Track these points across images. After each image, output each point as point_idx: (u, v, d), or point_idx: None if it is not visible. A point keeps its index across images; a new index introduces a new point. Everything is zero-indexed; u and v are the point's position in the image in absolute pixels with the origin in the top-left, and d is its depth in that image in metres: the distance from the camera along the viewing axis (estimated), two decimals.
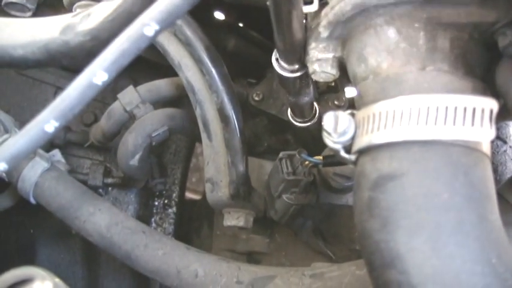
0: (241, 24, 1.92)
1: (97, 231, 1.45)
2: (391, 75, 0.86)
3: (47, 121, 0.81)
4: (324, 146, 1.38)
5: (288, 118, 1.48)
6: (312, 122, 1.45)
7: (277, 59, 1.13)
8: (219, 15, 1.88)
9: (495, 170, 1.51)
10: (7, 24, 1.15)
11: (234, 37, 1.83)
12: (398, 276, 0.77)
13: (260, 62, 1.82)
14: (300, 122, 1.46)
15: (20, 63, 1.11)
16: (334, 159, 1.35)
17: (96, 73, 0.78)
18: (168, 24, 0.76)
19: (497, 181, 1.45)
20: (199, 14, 1.48)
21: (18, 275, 0.89)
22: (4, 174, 1.52)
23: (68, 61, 1.08)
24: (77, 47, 1.06)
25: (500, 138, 1.57)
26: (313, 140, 1.57)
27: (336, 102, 1.58)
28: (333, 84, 1.57)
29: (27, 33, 1.11)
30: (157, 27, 0.75)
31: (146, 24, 0.75)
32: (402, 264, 0.77)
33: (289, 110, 1.47)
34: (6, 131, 1.46)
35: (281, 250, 1.74)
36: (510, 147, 1.57)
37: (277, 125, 1.71)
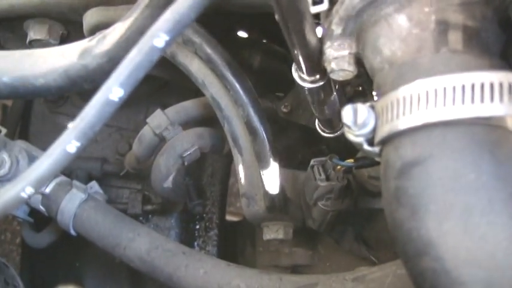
0: (265, 41, 1.92)
1: (138, 256, 1.46)
2: (406, 62, 0.85)
3: (69, 142, 0.83)
4: (358, 152, 1.37)
5: None
6: (341, 131, 1.43)
7: (297, 72, 1.13)
8: (242, 34, 1.88)
9: None
10: (28, 55, 1.17)
11: (259, 54, 1.82)
12: (432, 264, 0.75)
13: (287, 76, 1.81)
14: (328, 133, 1.44)
15: (43, 92, 1.13)
16: (366, 161, 1.33)
17: (112, 89, 0.79)
18: (176, 33, 0.76)
19: None
20: (222, 34, 1.49)
21: None
22: (43, 209, 1.54)
23: (89, 85, 1.09)
24: (96, 69, 1.08)
25: None
26: (346, 148, 1.56)
27: None
28: (360, 88, 1.56)
29: (47, 61, 1.13)
30: (166, 37, 0.76)
31: (155, 36, 0.76)
32: (435, 251, 0.75)
33: (316, 121, 1.46)
34: (31, 158, 1.49)
35: (325, 261, 1.72)
36: None
37: (309, 135, 1.70)
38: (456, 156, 0.77)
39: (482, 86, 0.76)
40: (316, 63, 1.04)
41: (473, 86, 0.76)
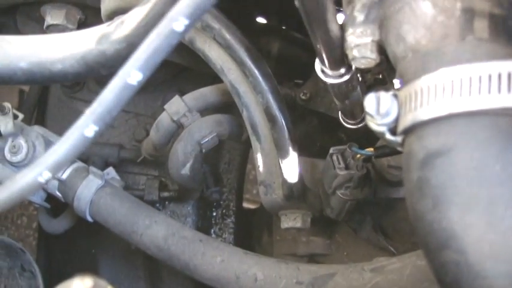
0: (284, 27, 1.90)
1: (154, 243, 1.45)
2: (430, 50, 0.83)
3: (86, 126, 0.82)
4: (378, 141, 1.35)
5: (337, 115, 1.45)
6: (364, 122, 1.41)
7: (320, 66, 1.11)
8: (261, 20, 1.87)
9: None
10: (45, 40, 1.16)
11: (277, 40, 1.81)
12: (455, 256, 0.74)
13: (305, 63, 1.80)
14: (351, 124, 1.42)
15: (60, 78, 1.13)
16: (385, 150, 1.31)
17: (131, 73, 0.78)
18: (196, 17, 0.75)
19: None
20: (241, 20, 1.47)
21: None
22: (60, 194, 1.54)
23: (107, 71, 1.08)
24: (114, 55, 1.07)
25: None
26: (366, 136, 1.54)
27: None
28: (380, 76, 1.54)
29: (64, 47, 1.12)
30: (186, 21, 0.75)
31: (175, 20, 0.75)
32: (458, 243, 0.73)
33: (339, 112, 1.44)
34: (48, 144, 1.49)
35: (342, 250, 1.71)
36: None
37: (328, 123, 1.69)
38: (481, 147, 0.75)
39: (509, 75, 0.74)
40: (339, 57, 1.02)
41: (499, 76, 0.74)
